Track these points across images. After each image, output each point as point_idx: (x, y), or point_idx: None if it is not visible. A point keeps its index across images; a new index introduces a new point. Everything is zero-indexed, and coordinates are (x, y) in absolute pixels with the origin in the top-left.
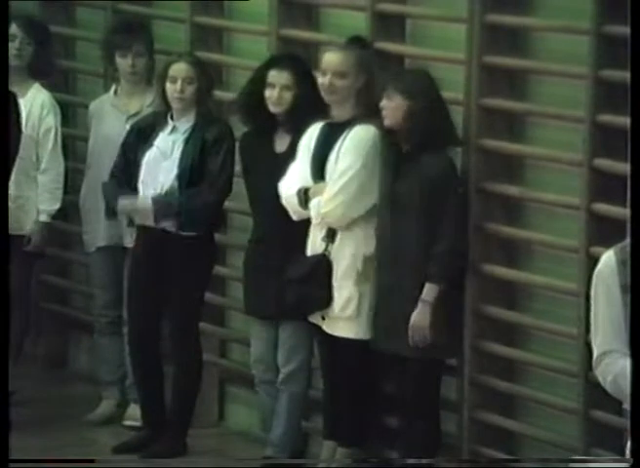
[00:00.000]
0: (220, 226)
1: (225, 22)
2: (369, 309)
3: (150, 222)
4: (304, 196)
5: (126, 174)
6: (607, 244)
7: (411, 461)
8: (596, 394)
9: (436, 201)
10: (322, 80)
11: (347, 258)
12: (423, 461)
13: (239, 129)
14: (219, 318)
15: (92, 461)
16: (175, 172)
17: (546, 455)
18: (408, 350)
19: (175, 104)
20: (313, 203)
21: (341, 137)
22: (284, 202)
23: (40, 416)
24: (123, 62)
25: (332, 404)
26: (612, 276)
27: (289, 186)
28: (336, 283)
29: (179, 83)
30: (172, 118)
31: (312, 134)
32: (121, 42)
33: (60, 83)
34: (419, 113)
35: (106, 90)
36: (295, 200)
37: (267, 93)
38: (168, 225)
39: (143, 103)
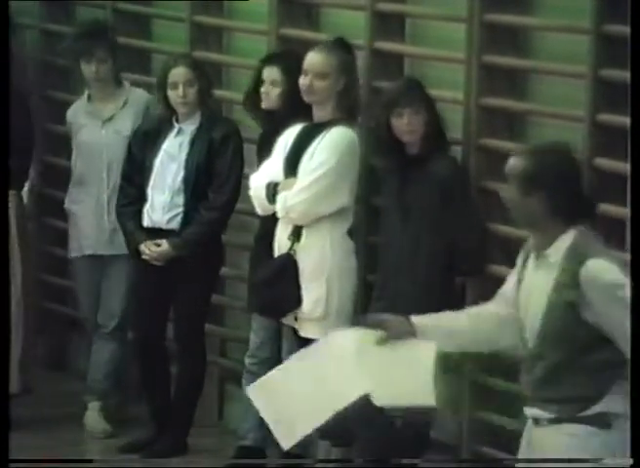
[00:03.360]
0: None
1: (225, 22)
2: (338, 309)
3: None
4: (273, 190)
5: (134, 179)
6: (608, 243)
7: (406, 461)
8: None
9: (449, 202)
10: (303, 80)
11: (314, 258)
12: (416, 461)
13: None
14: (218, 317)
15: (91, 461)
16: (182, 174)
17: None
18: None
19: (179, 109)
20: (280, 196)
21: (319, 137)
22: (252, 194)
23: (40, 416)
24: (87, 69)
25: None
26: None
27: (259, 180)
28: (303, 284)
29: (180, 88)
30: (177, 121)
31: (291, 133)
32: (83, 49)
33: (60, 82)
34: (435, 121)
35: (80, 94)
36: (263, 193)
37: (262, 89)
38: (176, 228)
39: (117, 105)
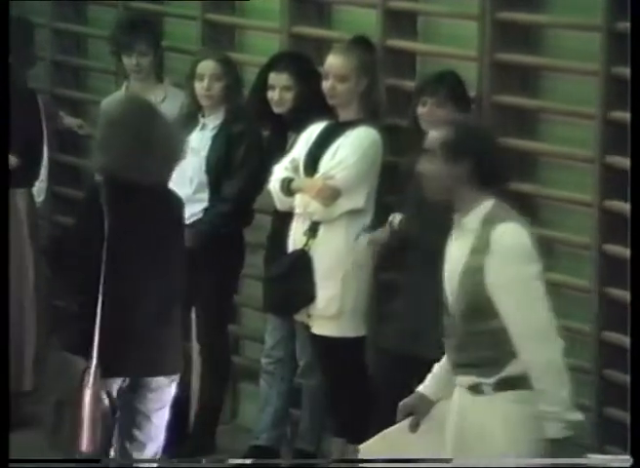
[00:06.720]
0: (248, 221)
1: (237, 20)
2: (353, 307)
3: None
4: (287, 185)
5: None
6: (619, 241)
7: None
8: (610, 391)
9: None
10: (324, 84)
11: (329, 256)
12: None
13: None
14: (233, 315)
15: (94, 461)
16: (203, 168)
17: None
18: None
19: (203, 102)
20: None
21: (342, 136)
22: (271, 187)
23: (40, 415)
24: (128, 61)
25: (331, 401)
26: None
27: (278, 174)
28: (318, 281)
29: (206, 80)
30: (202, 115)
31: (314, 129)
32: (125, 41)
33: (71, 81)
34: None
35: (118, 87)
36: (278, 186)
37: (269, 95)
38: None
39: (155, 101)
